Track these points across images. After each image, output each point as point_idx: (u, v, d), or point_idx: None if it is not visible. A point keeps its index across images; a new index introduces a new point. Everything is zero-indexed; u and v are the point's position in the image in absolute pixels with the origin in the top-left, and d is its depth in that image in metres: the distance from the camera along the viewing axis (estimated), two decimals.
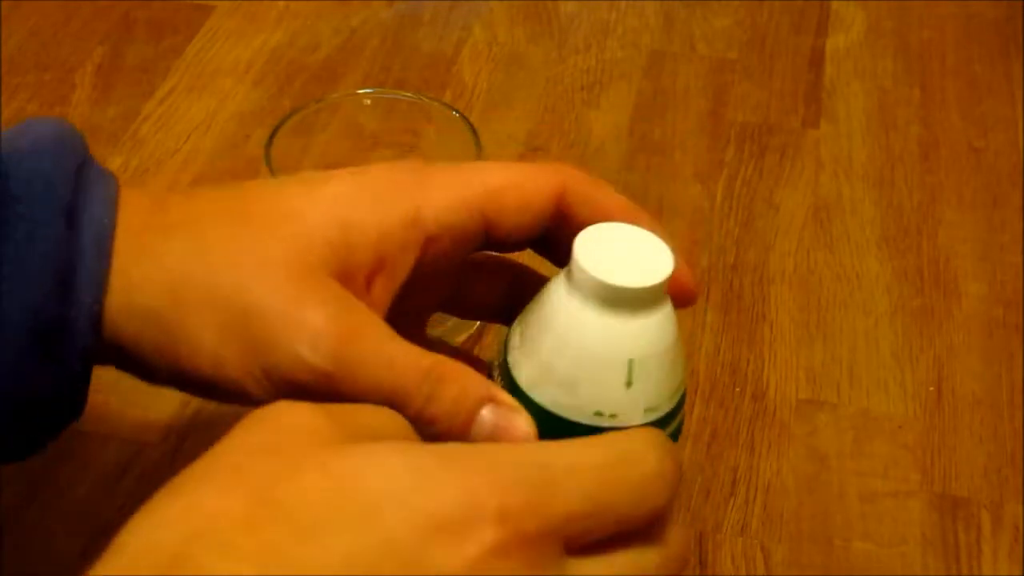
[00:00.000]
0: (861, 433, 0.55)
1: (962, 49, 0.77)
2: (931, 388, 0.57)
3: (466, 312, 0.46)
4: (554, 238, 0.40)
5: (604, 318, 0.36)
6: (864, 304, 0.61)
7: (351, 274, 0.37)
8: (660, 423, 0.39)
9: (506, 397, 0.36)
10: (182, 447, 0.54)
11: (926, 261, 0.63)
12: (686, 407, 0.44)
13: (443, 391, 0.36)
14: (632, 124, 0.71)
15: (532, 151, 0.69)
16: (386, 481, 0.29)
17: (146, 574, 0.28)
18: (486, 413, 0.36)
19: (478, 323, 0.58)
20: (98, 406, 0.55)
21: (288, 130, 0.55)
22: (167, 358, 0.37)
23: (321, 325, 0.35)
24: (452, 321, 0.56)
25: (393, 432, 0.33)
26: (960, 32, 0.79)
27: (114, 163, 0.67)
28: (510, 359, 0.38)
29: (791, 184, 0.67)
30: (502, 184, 0.38)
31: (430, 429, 0.36)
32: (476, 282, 0.43)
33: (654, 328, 0.37)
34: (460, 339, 0.57)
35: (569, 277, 0.37)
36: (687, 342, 0.58)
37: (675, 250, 0.37)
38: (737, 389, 0.56)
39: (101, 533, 0.53)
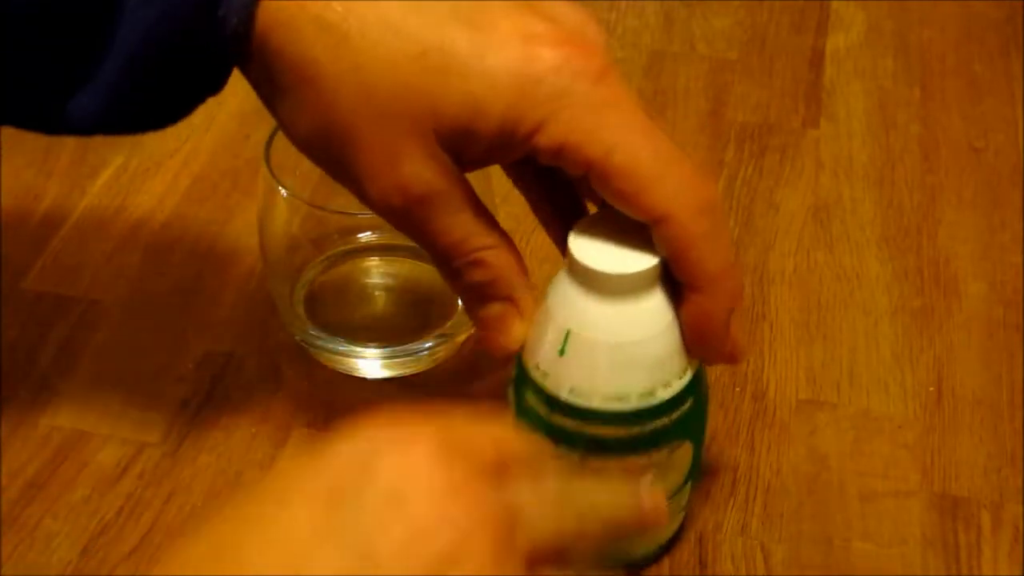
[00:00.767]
0: (861, 433, 0.55)
1: (962, 49, 0.77)
2: (931, 388, 0.57)
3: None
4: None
5: (579, 294, 0.41)
6: (864, 304, 0.61)
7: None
8: (629, 418, 0.42)
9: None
10: (182, 447, 0.54)
11: (926, 261, 0.63)
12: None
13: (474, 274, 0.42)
14: None
15: None
16: None
17: None
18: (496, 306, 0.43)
19: None
20: (98, 406, 0.55)
21: None
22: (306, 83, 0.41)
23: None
24: (453, 321, 0.56)
25: None
26: (960, 32, 0.78)
27: (114, 163, 0.66)
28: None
29: (791, 184, 0.67)
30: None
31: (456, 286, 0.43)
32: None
33: (620, 316, 0.41)
34: (460, 339, 0.57)
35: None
36: None
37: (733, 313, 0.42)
38: (737, 389, 0.56)
39: (101, 533, 0.53)
